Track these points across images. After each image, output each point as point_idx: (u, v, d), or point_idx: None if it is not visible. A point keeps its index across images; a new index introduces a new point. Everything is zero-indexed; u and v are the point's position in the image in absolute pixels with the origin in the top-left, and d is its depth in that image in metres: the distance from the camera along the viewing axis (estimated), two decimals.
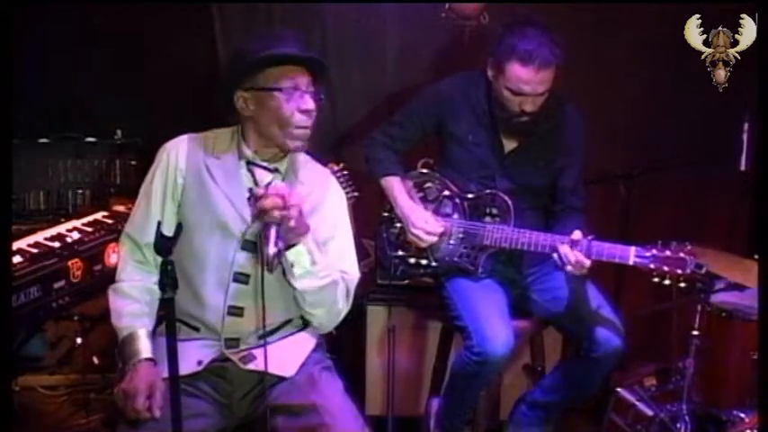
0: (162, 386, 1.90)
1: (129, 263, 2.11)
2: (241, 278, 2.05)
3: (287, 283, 2.02)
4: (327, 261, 2.05)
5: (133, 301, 2.05)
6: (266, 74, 2.02)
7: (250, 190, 2.05)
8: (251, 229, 2.04)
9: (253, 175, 2.09)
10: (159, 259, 2.02)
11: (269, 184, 2.03)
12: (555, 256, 2.50)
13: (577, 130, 2.73)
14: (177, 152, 2.10)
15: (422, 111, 2.78)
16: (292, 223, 1.90)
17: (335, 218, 2.17)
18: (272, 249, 1.85)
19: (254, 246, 2.04)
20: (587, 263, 2.44)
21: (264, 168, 2.09)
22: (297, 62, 2.03)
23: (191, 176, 2.08)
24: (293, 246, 1.96)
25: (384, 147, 2.80)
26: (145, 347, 1.98)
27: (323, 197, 2.15)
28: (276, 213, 1.88)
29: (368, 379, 3.17)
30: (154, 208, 2.09)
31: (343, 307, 2.12)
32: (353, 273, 2.16)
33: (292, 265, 1.97)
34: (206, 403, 2.02)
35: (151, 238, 2.04)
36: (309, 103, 2.03)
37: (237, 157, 2.10)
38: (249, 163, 2.09)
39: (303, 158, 2.19)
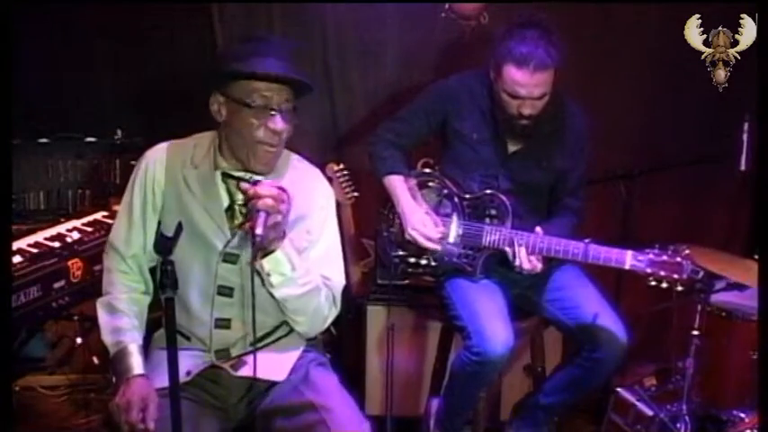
0: (155, 399, 1.91)
1: (114, 273, 2.11)
2: (225, 291, 2.05)
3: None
4: (308, 267, 2.02)
5: (122, 315, 2.04)
6: (241, 85, 1.96)
7: (238, 185, 2.02)
8: (232, 242, 2.03)
9: (228, 186, 2.05)
10: (145, 268, 2.09)
11: (257, 182, 1.97)
12: (509, 250, 2.54)
13: (582, 132, 2.73)
14: (155, 163, 2.08)
15: (429, 106, 2.77)
16: (279, 218, 1.89)
17: (321, 223, 2.12)
18: (260, 230, 1.83)
19: (235, 258, 2.03)
20: (538, 267, 2.53)
21: (240, 180, 2.04)
22: (274, 78, 1.97)
23: (169, 189, 2.06)
24: (270, 253, 1.93)
25: (389, 144, 2.79)
26: (136, 363, 1.98)
27: (309, 202, 2.11)
28: (270, 202, 1.85)
29: (368, 379, 3.17)
30: (136, 220, 2.08)
31: (329, 313, 2.09)
32: (337, 279, 2.13)
33: (269, 274, 1.95)
34: (201, 407, 2.02)
35: (134, 249, 2.09)
36: (279, 124, 1.97)
37: (213, 168, 2.06)
38: (225, 175, 2.05)
39: (290, 160, 2.15)
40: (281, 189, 1.90)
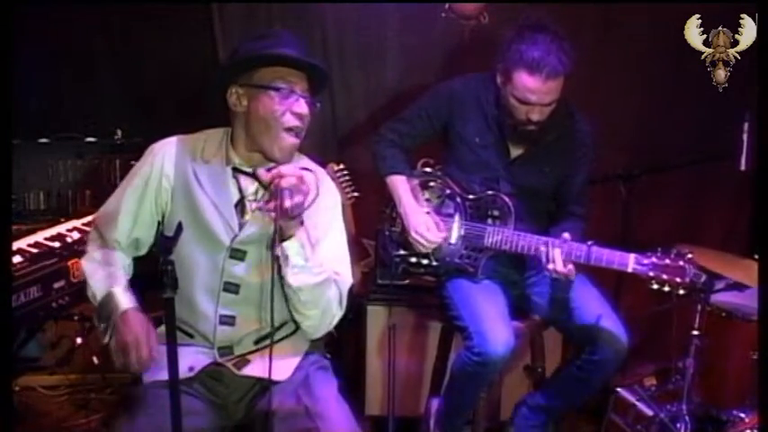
0: (154, 329, 1.90)
1: (98, 243, 2.09)
2: (231, 287, 2.04)
3: (279, 285, 1.98)
4: (319, 261, 2.01)
5: (107, 265, 2.01)
6: (263, 72, 2.00)
7: (255, 175, 2.03)
8: (239, 238, 2.02)
9: (238, 182, 2.06)
10: (128, 247, 2.07)
11: (270, 168, 1.98)
12: (542, 249, 2.50)
13: (586, 140, 2.72)
14: (165, 155, 2.07)
15: (432, 108, 2.76)
16: (301, 199, 1.89)
17: (327, 220, 2.12)
18: (288, 203, 1.85)
19: (242, 254, 2.03)
20: (573, 272, 2.48)
21: (250, 176, 2.05)
22: (297, 66, 2.01)
23: (178, 182, 2.05)
24: (288, 238, 1.93)
25: (391, 144, 2.79)
26: (124, 300, 1.93)
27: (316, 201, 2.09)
28: (293, 180, 1.87)
29: (368, 379, 3.17)
30: (124, 206, 2.06)
31: (337, 312, 2.08)
32: (346, 275, 2.11)
33: (287, 258, 1.94)
34: (202, 403, 2.01)
35: (116, 234, 2.06)
36: (303, 107, 2.00)
37: (225, 163, 2.07)
38: (235, 170, 2.06)
39: (296, 159, 2.14)
40: (305, 169, 1.92)
